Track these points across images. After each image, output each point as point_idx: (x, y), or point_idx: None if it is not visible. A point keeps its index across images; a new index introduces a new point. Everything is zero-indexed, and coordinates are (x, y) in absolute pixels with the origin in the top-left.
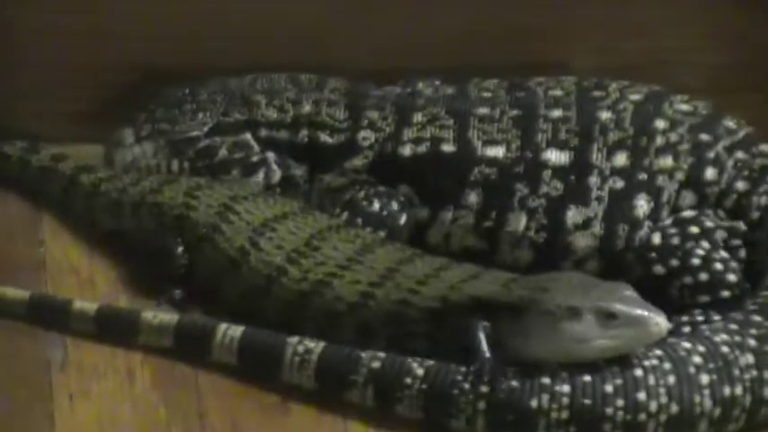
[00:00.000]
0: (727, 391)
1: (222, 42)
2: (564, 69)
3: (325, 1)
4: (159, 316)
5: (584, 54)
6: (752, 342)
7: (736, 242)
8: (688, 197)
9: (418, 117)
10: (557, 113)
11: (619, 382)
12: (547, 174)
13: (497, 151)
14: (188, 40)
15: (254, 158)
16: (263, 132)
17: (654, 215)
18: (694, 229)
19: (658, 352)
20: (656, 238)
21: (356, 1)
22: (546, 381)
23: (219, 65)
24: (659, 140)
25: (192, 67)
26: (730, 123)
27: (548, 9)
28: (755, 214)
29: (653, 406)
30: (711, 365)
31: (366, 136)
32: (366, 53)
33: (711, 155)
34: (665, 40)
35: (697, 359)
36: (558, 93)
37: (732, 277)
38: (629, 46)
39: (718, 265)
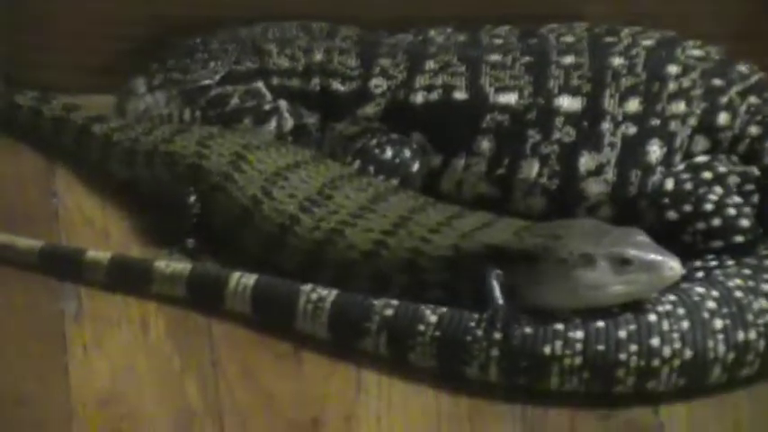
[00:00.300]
0: (740, 335)
1: None
2: (578, 18)
3: None
4: (172, 265)
5: (599, 3)
6: (765, 287)
7: (750, 187)
8: (701, 142)
9: (430, 64)
10: (569, 60)
11: (632, 327)
12: (559, 120)
13: (510, 98)
14: None
15: (266, 107)
16: (275, 81)
17: (667, 161)
18: (707, 175)
19: (672, 297)
20: (669, 184)
21: None
22: (559, 327)
23: (231, 15)
24: (672, 86)
25: (203, 17)
26: (743, 68)
27: None
28: None
29: (666, 351)
30: (725, 310)
31: (378, 83)
32: (378, 1)
33: (724, 100)
34: None
35: (711, 304)
36: (570, 39)
37: (745, 222)
38: None
39: (732, 210)
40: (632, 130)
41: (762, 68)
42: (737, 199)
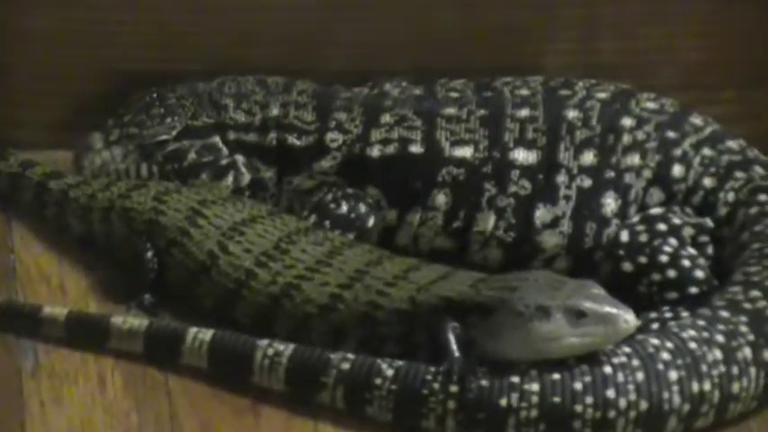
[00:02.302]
0: (695, 386)
1: (191, 48)
2: (536, 70)
3: (296, 4)
4: (129, 321)
5: (557, 54)
6: (720, 338)
7: (704, 239)
8: (655, 194)
9: (386, 118)
10: (524, 113)
11: (588, 379)
12: (515, 173)
13: (465, 151)
14: (157, 47)
15: (223, 161)
16: (232, 135)
17: (622, 213)
18: (662, 227)
19: (627, 349)
20: (624, 236)
21: (325, 4)
22: (515, 379)
23: (188, 69)
24: (626, 138)
25: (161, 72)
26: (697, 120)
27: (519, 9)
28: (723, 210)
29: (622, 403)
30: (680, 362)
31: (334, 137)
32: (335, 55)
33: (678, 152)
34: (638, 41)
35: (665, 355)
36: (525, 92)
37: (700, 274)
38: (603, 45)
39: (686, 262)
40: (587, 182)
41: (723, 117)
42: (692, 251)
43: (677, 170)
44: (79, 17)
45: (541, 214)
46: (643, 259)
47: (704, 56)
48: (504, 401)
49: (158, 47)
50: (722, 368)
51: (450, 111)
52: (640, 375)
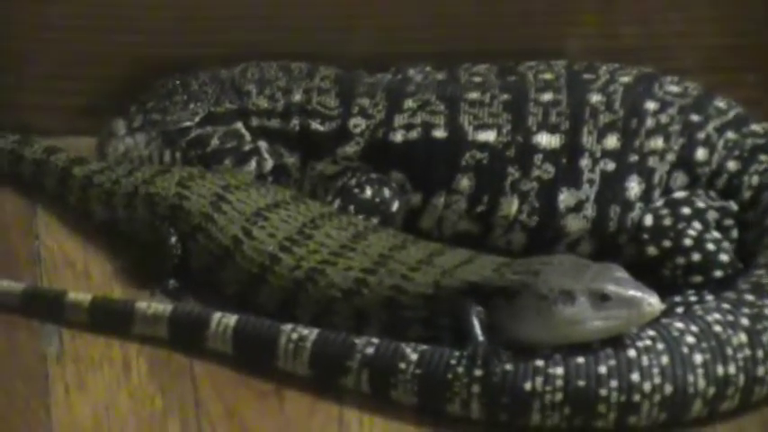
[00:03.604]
0: (720, 370)
1: (213, 33)
2: (558, 55)
3: None
4: (153, 306)
5: (578, 39)
6: (744, 321)
7: (728, 222)
8: (679, 178)
9: (409, 103)
10: (547, 97)
11: (612, 363)
12: (538, 157)
13: (488, 135)
14: (180, 32)
15: (246, 147)
16: (255, 121)
17: (645, 196)
18: (686, 210)
19: (651, 332)
20: (648, 220)
21: None
22: (540, 363)
23: (211, 55)
24: (650, 122)
25: (184, 58)
26: (721, 103)
27: None
28: (747, 194)
29: (647, 386)
30: (704, 345)
31: (357, 123)
32: (358, 41)
33: (702, 135)
34: (660, 25)
35: (690, 339)
36: (549, 76)
37: (724, 257)
38: (624, 30)
39: (711, 246)
40: (611, 166)
41: (744, 101)
42: (716, 234)
43: (701, 153)
44: (101, 3)
45: (565, 198)
46: (667, 243)
47: (726, 40)
48: (528, 385)
49: (181, 33)
50: (747, 351)
51: (474, 95)
52: (665, 359)
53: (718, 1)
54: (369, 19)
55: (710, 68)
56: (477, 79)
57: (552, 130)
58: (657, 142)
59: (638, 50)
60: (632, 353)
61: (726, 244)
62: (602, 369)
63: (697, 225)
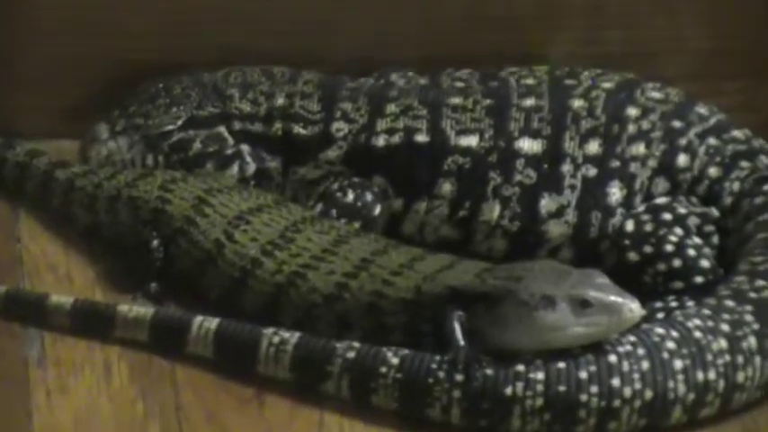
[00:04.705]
0: (700, 376)
1: (197, 37)
2: (543, 60)
3: None
4: (135, 310)
5: (564, 44)
6: (725, 327)
7: (709, 228)
8: (661, 184)
9: (391, 108)
10: (529, 102)
11: (593, 368)
12: (520, 162)
13: (471, 141)
14: (163, 36)
15: (229, 151)
16: (237, 125)
17: (627, 202)
18: (667, 216)
19: (632, 338)
20: (630, 225)
21: None
22: (520, 368)
23: (195, 59)
24: (631, 128)
25: (167, 62)
26: (702, 110)
27: None
28: (728, 200)
29: (627, 392)
30: (685, 351)
31: (340, 127)
32: (341, 45)
33: (683, 141)
34: (645, 30)
35: (671, 344)
36: (530, 81)
37: (705, 263)
38: (609, 35)
39: (692, 252)
40: (592, 172)
41: (730, 107)
42: (697, 240)
43: (682, 160)
44: (86, 6)
45: (546, 203)
46: (648, 249)
47: (711, 46)
48: (509, 390)
49: (164, 37)
50: (727, 357)
51: (456, 100)
52: (645, 364)
53: (704, 7)
54: (353, 24)
55: (696, 74)
56: (460, 84)
57: (534, 135)
58: (639, 148)
59: (623, 56)
60: (613, 358)
61: (707, 250)
62: (583, 374)
63: (678, 231)
